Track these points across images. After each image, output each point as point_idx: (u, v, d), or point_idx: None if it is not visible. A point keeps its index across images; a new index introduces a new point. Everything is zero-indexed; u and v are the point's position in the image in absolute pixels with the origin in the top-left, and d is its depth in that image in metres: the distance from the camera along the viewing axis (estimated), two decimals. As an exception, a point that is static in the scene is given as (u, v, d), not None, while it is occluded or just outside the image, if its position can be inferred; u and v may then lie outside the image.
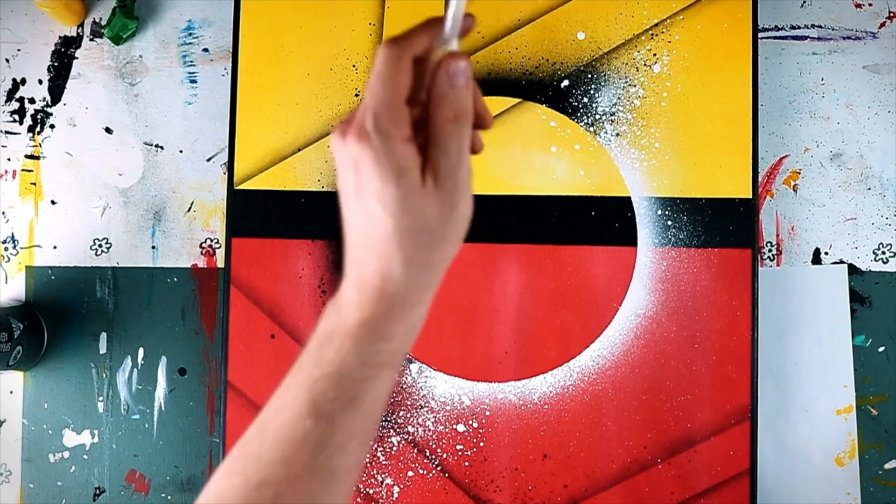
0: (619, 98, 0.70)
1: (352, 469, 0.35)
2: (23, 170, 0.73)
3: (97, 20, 0.73)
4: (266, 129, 0.70)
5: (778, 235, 0.71)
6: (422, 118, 0.32)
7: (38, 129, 0.73)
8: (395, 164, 0.30)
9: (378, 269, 0.32)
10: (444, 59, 0.30)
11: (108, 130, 0.73)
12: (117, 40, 0.72)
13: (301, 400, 0.34)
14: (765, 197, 0.71)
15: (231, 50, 0.71)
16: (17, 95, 0.73)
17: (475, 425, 0.68)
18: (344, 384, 0.33)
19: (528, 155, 0.69)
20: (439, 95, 0.31)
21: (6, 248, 0.72)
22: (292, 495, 0.33)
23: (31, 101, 0.73)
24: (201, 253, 0.72)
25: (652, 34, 0.70)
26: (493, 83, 0.70)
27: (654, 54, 0.70)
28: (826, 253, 0.70)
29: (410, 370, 0.69)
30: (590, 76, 0.70)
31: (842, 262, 0.70)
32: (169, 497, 0.71)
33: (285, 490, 0.33)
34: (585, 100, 0.70)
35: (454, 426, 0.68)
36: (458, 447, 0.68)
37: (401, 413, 0.68)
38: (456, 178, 0.31)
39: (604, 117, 0.69)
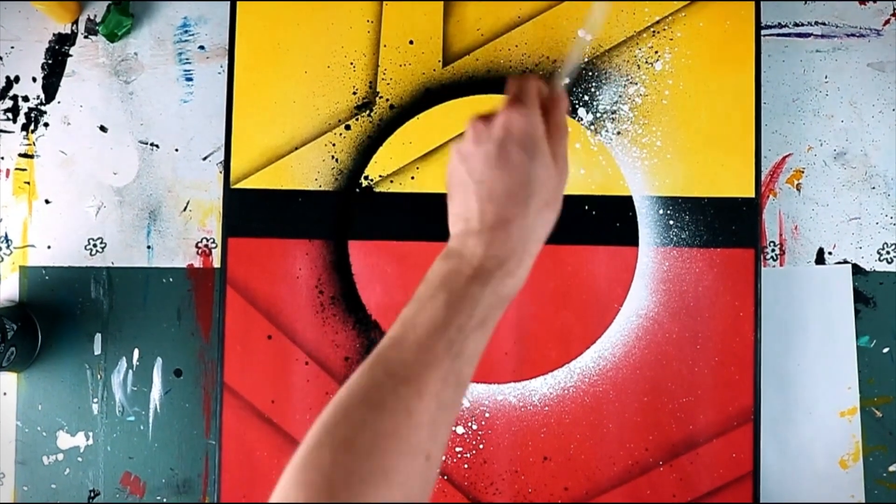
0: (620, 96, 0.69)
1: (461, 395, 0.40)
2: (16, 168, 0.72)
3: (92, 17, 0.73)
4: (263, 127, 0.69)
5: (781, 235, 0.70)
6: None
7: (31, 127, 0.72)
8: (535, 125, 0.42)
9: (508, 216, 0.41)
10: (561, 95, 0.45)
11: (102, 129, 0.72)
12: (112, 38, 0.72)
13: (439, 315, 0.39)
14: (768, 196, 0.70)
15: (227, 47, 0.70)
16: (11, 93, 0.73)
17: (474, 427, 0.67)
18: (477, 308, 0.40)
19: (528, 153, 0.68)
20: (559, 113, 0.44)
21: (0, 248, 0.72)
22: (429, 384, 0.37)
23: (25, 99, 0.72)
24: (197, 253, 0.71)
25: (654, 31, 0.69)
26: (492, 81, 0.69)
27: (656, 52, 0.69)
28: (830, 253, 0.70)
29: (409, 371, 0.68)
30: (591, 74, 0.69)
31: (846, 262, 0.70)
32: (164, 500, 0.70)
33: (424, 383, 0.37)
34: (586, 98, 0.69)
35: (453, 428, 0.67)
36: (458, 449, 0.67)
37: (399, 415, 0.68)
38: (566, 160, 0.44)
39: (605, 115, 0.69)
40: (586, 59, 0.69)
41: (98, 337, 0.71)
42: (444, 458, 0.67)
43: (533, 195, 0.42)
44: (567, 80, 0.46)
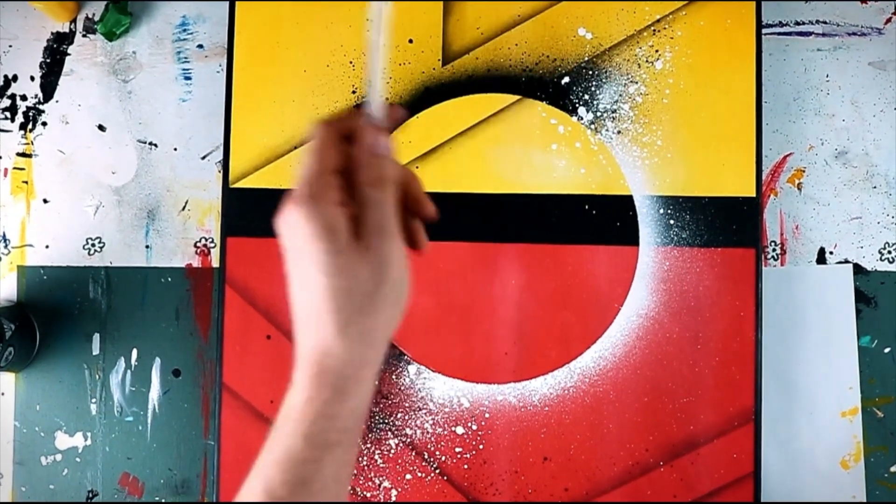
0: (620, 95, 0.69)
1: None
2: (14, 168, 0.72)
3: (90, 16, 0.72)
4: (262, 126, 0.69)
5: (782, 235, 0.70)
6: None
7: (30, 126, 0.72)
8: (325, 224, 0.33)
9: (316, 343, 0.34)
10: (365, 131, 0.34)
11: (101, 128, 0.72)
12: (110, 36, 0.72)
13: (255, 488, 0.34)
14: (769, 195, 0.70)
15: (226, 46, 0.70)
16: (9, 92, 0.72)
17: (474, 427, 0.67)
18: (292, 468, 0.33)
19: (528, 153, 0.68)
20: (361, 162, 0.34)
21: (-2, 248, 0.72)
22: None
23: (23, 98, 0.72)
24: (196, 252, 0.71)
25: (654, 30, 0.69)
26: (492, 80, 0.69)
27: (657, 51, 0.69)
28: (831, 252, 0.70)
29: (409, 372, 0.68)
30: (591, 73, 0.69)
31: (847, 261, 0.69)
32: (163, 500, 0.70)
33: None
34: (586, 97, 0.69)
35: (453, 428, 0.67)
36: (457, 449, 0.67)
37: (399, 415, 0.68)
38: (383, 240, 0.33)
39: (605, 115, 0.69)
40: (586, 59, 0.69)
41: (96, 337, 0.71)
42: (435, 461, 0.67)
43: (355, 333, 0.34)
44: (377, 103, 0.35)
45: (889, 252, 0.69)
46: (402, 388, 0.68)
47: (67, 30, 0.73)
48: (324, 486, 0.34)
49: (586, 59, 0.69)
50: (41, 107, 0.72)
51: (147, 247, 0.71)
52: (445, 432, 0.67)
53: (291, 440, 0.34)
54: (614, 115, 0.69)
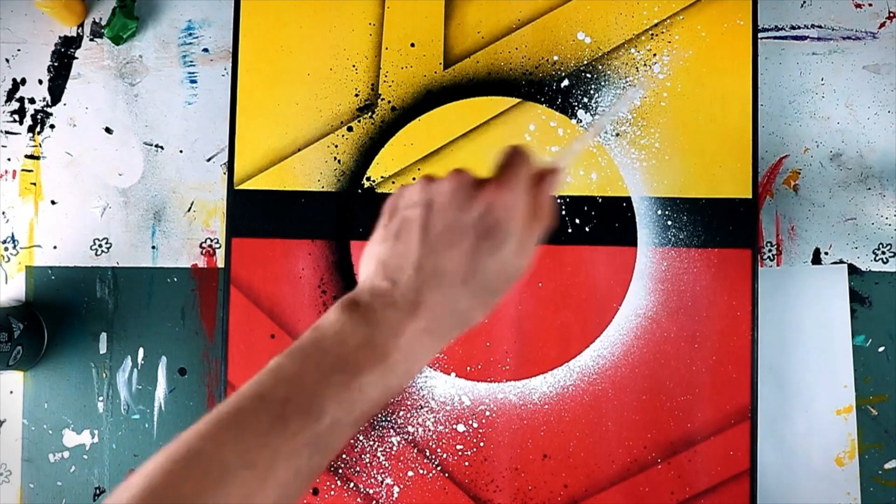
0: (619, 98, 0.69)
1: (311, 482, 0.35)
2: (23, 170, 0.73)
3: (97, 20, 0.73)
4: (266, 128, 0.70)
5: (778, 235, 0.71)
6: None
7: (38, 129, 0.73)
8: (537, 212, 0.39)
9: (450, 295, 0.37)
10: (556, 174, 0.40)
11: (108, 130, 0.73)
12: (117, 40, 0.72)
13: (317, 401, 0.35)
14: (765, 197, 0.71)
15: (231, 50, 0.71)
16: (17, 95, 0.73)
17: (475, 425, 0.68)
18: (361, 404, 0.35)
19: (528, 155, 0.69)
20: (546, 197, 0.40)
21: (6, 248, 0.72)
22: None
23: (31, 101, 0.73)
24: (201, 253, 0.72)
25: (652, 34, 0.70)
26: (492, 83, 0.70)
27: (654, 54, 0.70)
28: (826, 253, 0.70)
29: (410, 370, 0.68)
30: (590, 76, 0.70)
31: (842, 262, 0.70)
32: (169, 497, 0.71)
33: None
34: (585, 100, 0.70)
35: (454, 426, 0.68)
36: (458, 447, 0.68)
37: (401, 413, 0.68)
38: (530, 253, 0.39)
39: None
40: (626, 107, 0.70)
41: (103, 336, 0.72)
42: (437, 459, 0.68)
43: (478, 286, 0.37)
44: (567, 165, 0.41)
45: (883, 253, 0.70)
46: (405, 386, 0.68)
47: (75, 34, 0.73)
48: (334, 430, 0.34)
49: (585, 62, 0.70)
50: (49, 109, 0.73)
51: (153, 247, 0.72)
52: (447, 430, 0.68)
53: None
54: (613, 117, 0.69)
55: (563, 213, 0.69)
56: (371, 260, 0.39)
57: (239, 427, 0.33)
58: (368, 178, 0.70)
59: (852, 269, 0.70)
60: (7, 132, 0.73)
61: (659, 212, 0.69)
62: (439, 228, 0.37)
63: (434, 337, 0.37)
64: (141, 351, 0.71)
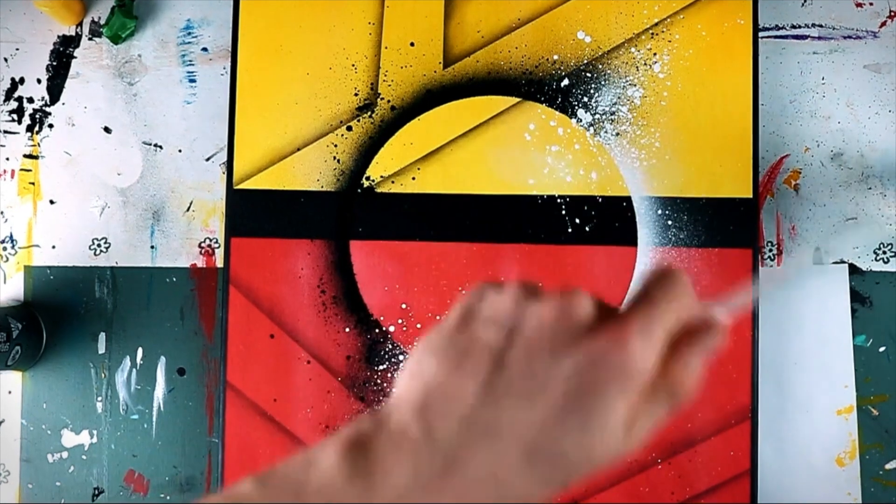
0: (619, 97, 0.69)
1: None
2: (21, 169, 0.73)
3: (96, 19, 0.73)
4: (265, 128, 0.70)
5: (779, 235, 0.71)
6: None
7: (36, 128, 0.73)
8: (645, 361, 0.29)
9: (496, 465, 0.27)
10: (718, 335, 0.31)
11: (106, 130, 0.73)
12: (116, 39, 0.72)
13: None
14: (765, 196, 0.71)
15: (230, 49, 0.71)
16: (16, 95, 0.73)
17: (475, 425, 0.68)
18: None
19: (527, 154, 0.69)
20: (696, 363, 0.30)
21: (5, 248, 0.72)
22: None
23: (30, 100, 0.73)
24: (200, 253, 0.72)
25: (652, 33, 0.70)
26: (492, 82, 0.70)
27: (655, 53, 0.69)
28: (826, 253, 0.70)
29: (410, 370, 0.68)
30: (590, 75, 0.70)
31: (842, 261, 0.70)
32: (168, 497, 0.71)
33: None
34: (585, 99, 0.70)
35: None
36: (458, 447, 0.68)
37: (400, 413, 0.68)
38: (641, 435, 0.30)
39: (604, 117, 0.69)
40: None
41: (102, 336, 0.72)
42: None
43: (543, 466, 0.27)
44: (733, 314, 0.32)
45: (884, 252, 0.70)
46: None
47: (73, 33, 0.73)
48: None
49: (585, 61, 0.70)
50: (48, 109, 0.73)
51: (152, 247, 0.72)
52: (446, 430, 0.68)
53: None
54: (613, 117, 0.69)
55: (563, 212, 0.69)
56: (414, 381, 0.29)
57: None
58: (368, 178, 0.70)
59: (853, 269, 0.70)
60: (5, 132, 0.73)
61: (659, 211, 0.69)
62: (517, 371, 0.27)
63: None
64: (140, 351, 0.71)
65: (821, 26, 0.71)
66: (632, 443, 0.28)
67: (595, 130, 0.69)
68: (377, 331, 0.68)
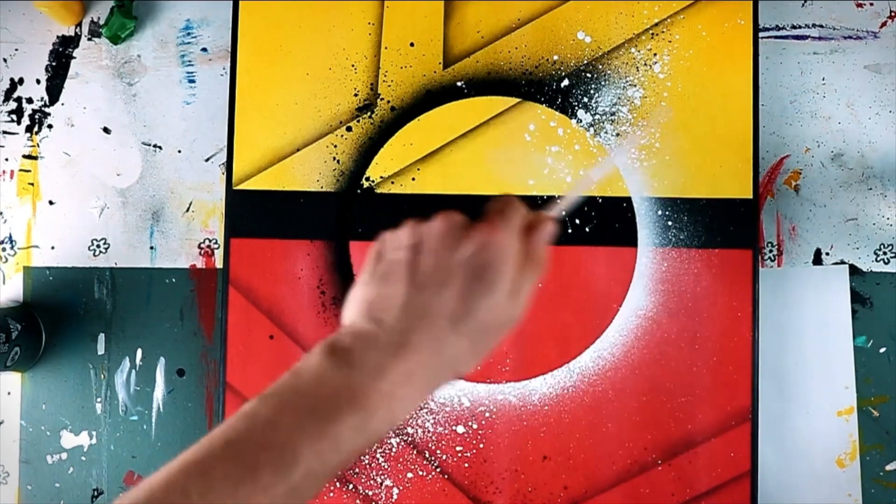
0: (619, 98, 0.69)
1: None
2: (20, 170, 0.73)
3: (95, 20, 0.73)
4: (265, 129, 0.70)
5: (779, 236, 0.71)
6: None
7: (35, 129, 0.73)
8: (528, 255, 0.39)
9: (439, 337, 0.36)
10: (548, 221, 0.41)
11: (106, 130, 0.73)
12: (115, 40, 0.72)
13: (290, 451, 0.34)
14: (766, 197, 0.71)
15: (230, 50, 0.70)
16: (15, 95, 0.73)
17: (475, 426, 0.68)
18: (339, 455, 0.34)
19: (528, 155, 0.69)
20: (539, 242, 0.40)
21: (4, 249, 0.72)
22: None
23: (29, 100, 0.73)
24: (200, 253, 0.72)
25: (652, 34, 0.70)
26: (492, 83, 0.70)
27: (655, 54, 0.69)
28: (827, 253, 0.70)
29: (410, 371, 0.68)
30: (590, 76, 0.70)
31: (843, 262, 0.70)
32: (167, 498, 0.70)
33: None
34: (586, 99, 0.69)
35: (453, 427, 0.68)
36: (458, 448, 0.68)
37: (400, 414, 0.68)
38: (523, 299, 0.39)
39: (604, 117, 0.69)
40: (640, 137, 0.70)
41: (101, 337, 0.71)
42: (436, 460, 0.67)
43: (468, 330, 0.36)
44: (562, 213, 0.42)
45: (884, 253, 0.70)
46: (404, 387, 0.68)
47: (73, 33, 0.73)
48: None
49: (585, 62, 0.70)
50: (47, 109, 0.73)
51: (151, 248, 0.72)
52: (446, 431, 0.68)
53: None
54: (613, 117, 0.69)
55: (563, 213, 0.69)
56: (355, 302, 0.38)
57: (207, 477, 0.31)
58: (368, 179, 0.69)
59: (853, 270, 0.70)
60: (5, 132, 0.73)
61: (659, 212, 0.68)
62: (428, 268, 0.36)
63: (419, 382, 0.35)
64: (139, 352, 0.71)
65: (821, 27, 0.71)
66: (521, 303, 0.38)
67: (595, 131, 0.69)
68: (377, 332, 0.68)
